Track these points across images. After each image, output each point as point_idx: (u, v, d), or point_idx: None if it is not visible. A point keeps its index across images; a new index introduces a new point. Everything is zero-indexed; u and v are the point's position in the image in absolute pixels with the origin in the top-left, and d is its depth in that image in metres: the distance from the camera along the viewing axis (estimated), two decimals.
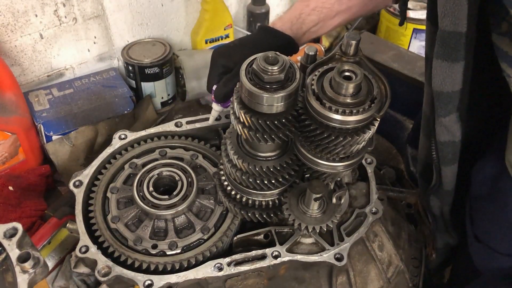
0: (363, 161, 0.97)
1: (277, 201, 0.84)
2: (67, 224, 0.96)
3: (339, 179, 0.88)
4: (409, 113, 1.33)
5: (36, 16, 1.19)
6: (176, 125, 1.00)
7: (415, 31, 1.63)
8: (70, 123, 1.20)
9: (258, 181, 0.78)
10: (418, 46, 1.64)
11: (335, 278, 0.86)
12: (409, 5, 1.62)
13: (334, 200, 0.80)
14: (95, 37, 1.33)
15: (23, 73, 1.25)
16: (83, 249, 0.82)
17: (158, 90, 1.37)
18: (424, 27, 1.51)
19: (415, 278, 0.97)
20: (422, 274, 0.98)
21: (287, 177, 0.80)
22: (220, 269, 0.80)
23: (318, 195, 0.76)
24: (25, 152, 1.17)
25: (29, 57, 1.24)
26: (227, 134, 0.81)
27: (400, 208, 1.05)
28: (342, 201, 0.83)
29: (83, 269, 0.97)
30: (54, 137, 1.18)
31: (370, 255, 0.89)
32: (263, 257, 0.82)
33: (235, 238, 0.86)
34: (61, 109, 1.23)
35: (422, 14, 1.64)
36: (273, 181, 0.79)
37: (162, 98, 1.40)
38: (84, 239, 0.83)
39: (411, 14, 1.64)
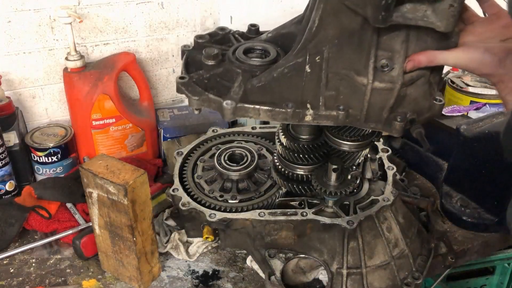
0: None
1: (310, 177, 1.17)
2: (166, 190, 1.37)
3: (357, 161, 1.18)
4: (447, 157, 1.58)
5: (173, 56, 1.70)
6: (252, 128, 1.41)
7: (471, 102, 1.90)
8: (182, 131, 1.65)
9: (296, 155, 1.14)
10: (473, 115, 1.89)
11: (347, 242, 1.13)
12: (470, 82, 1.91)
13: (349, 177, 1.12)
14: None
15: (156, 95, 1.75)
16: (175, 190, 1.21)
17: (249, 122, 1.79)
18: (479, 100, 1.79)
19: (420, 267, 1.19)
20: (427, 267, 1.20)
21: (317, 155, 1.13)
22: (262, 215, 1.14)
23: (335, 166, 1.08)
24: (147, 146, 1.63)
25: (162, 84, 1.75)
26: (280, 124, 1.19)
27: (414, 211, 1.30)
28: (357, 181, 1.13)
29: (170, 222, 1.36)
30: (168, 139, 1.63)
31: (378, 232, 1.15)
32: (294, 214, 1.14)
33: (277, 200, 1.20)
34: (177, 122, 1.68)
35: (480, 90, 1.91)
36: (306, 156, 1.13)
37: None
38: (177, 183, 1.22)
39: (470, 89, 1.92)
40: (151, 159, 1.63)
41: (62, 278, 1.20)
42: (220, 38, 1.16)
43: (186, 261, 1.25)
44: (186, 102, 1.81)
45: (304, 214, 1.13)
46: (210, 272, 1.22)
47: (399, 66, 0.88)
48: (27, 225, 1.30)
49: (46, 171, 1.46)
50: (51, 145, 1.43)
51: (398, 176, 1.36)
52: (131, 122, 1.55)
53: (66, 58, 1.43)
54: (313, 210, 1.14)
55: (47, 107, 1.60)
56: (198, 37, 1.14)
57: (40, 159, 1.43)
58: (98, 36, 1.55)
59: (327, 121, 0.95)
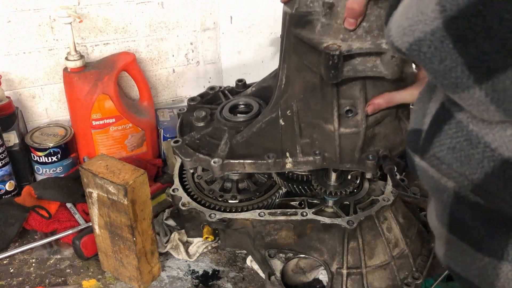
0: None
1: (310, 177, 1.17)
2: (166, 190, 1.37)
3: None
4: None
5: (173, 56, 1.70)
6: None
7: None
8: None
9: None
10: None
11: (347, 242, 1.13)
12: None
13: (349, 176, 1.12)
14: (210, 78, 1.81)
15: (156, 95, 1.75)
16: (175, 190, 1.22)
17: None
18: None
19: (420, 267, 1.19)
20: (427, 267, 1.20)
21: None
22: (262, 215, 1.14)
23: None
24: (147, 146, 1.63)
25: (162, 84, 1.74)
26: None
27: (414, 211, 1.29)
28: (357, 181, 1.13)
29: (170, 222, 1.36)
30: (168, 139, 1.63)
31: (379, 232, 1.15)
32: (294, 213, 1.14)
33: (277, 200, 1.20)
34: (177, 122, 1.69)
35: None
36: None
37: None
38: (177, 183, 1.22)
39: None
40: (151, 159, 1.63)
41: (62, 278, 1.20)
42: (211, 97, 1.30)
43: (186, 261, 1.25)
44: (186, 102, 1.81)
45: (304, 214, 1.13)
46: (210, 272, 1.22)
47: (362, 111, 0.95)
48: (27, 225, 1.30)
49: (46, 171, 1.46)
50: (51, 145, 1.43)
51: (398, 176, 1.36)
52: (131, 122, 1.55)
53: (66, 58, 1.43)
54: (313, 210, 1.14)
55: (47, 107, 1.60)
56: (190, 99, 1.29)
57: (40, 159, 1.44)
58: (98, 36, 1.55)
59: (306, 166, 1.05)
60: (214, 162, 1.04)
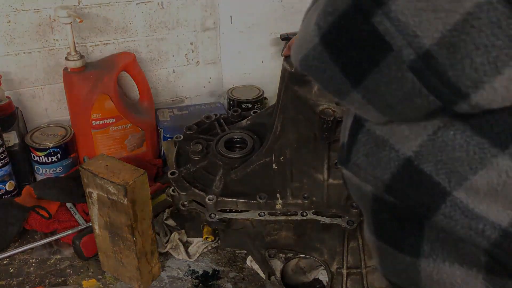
0: None
1: None
2: (166, 190, 1.37)
3: None
4: None
5: (173, 56, 1.70)
6: None
7: None
8: (181, 131, 1.65)
9: None
10: None
11: (347, 242, 1.14)
12: None
13: None
14: (210, 78, 1.81)
15: (156, 95, 1.75)
16: (175, 190, 1.21)
17: None
18: None
19: None
20: None
21: None
22: (262, 215, 1.14)
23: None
24: (147, 146, 1.63)
25: (162, 84, 1.75)
26: None
27: None
28: None
29: (170, 222, 1.36)
30: (168, 139, 1.63)
31: None
32: (294, 213, 1.14)
33: None
34: (177, 122, 1.68)
35: None
36: None
37: None
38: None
39: None
40: (151, 159, 1.63)
41: (62, 278, 1.20)
42: (207, 126, 1.37)
43: (186, 261, 1.25)
44: (186, 102, 1.81)
45: (304, 214, 1.13)
46: (210, 272, 1.22)
47: None
48: (27, 225, 1.30)
49: (46, 171, 1.46)
50: (51, 145, 1.43)
51: None
52: (131, 122, 1.55)
53: (66, 58, 1.43)
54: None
55: (47, 107, 1.60)
56: (187, 128, 1.35)
57: (40, 159, 1.44)
58: (98, 36, 1.55)
59: (295, 208, 1.11)
60: (209, 200, 1.10)
